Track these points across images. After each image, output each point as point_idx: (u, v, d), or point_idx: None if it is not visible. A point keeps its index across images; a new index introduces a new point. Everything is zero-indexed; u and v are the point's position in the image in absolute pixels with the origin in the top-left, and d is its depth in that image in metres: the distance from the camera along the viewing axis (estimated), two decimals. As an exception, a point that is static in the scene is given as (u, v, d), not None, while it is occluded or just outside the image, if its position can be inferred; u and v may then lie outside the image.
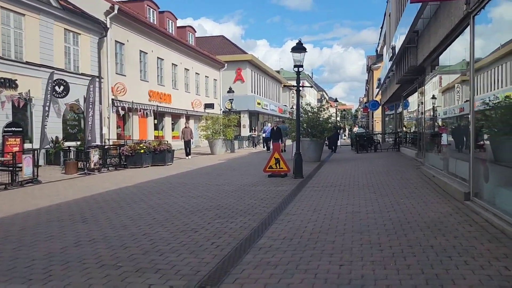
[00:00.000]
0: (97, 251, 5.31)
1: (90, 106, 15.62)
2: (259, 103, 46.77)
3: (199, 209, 8.02)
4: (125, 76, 23.71)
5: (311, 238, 5.69)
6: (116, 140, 21.86)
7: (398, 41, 13.85)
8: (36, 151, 13.05)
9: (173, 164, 18.07)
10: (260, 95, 49.02)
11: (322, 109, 19.00)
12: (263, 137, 28.38)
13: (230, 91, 28.31)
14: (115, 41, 22.88)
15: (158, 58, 27.91)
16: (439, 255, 4.63)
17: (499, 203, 6.10)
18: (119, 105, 22.56)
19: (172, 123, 30.57)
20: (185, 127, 23.45)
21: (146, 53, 26.36)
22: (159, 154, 17.48)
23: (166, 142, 19.38)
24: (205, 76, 36.54)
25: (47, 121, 13.66)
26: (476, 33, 7.07)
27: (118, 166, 16.81)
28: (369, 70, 52.16)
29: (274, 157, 13.08)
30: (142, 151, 16.76)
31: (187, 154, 22.42)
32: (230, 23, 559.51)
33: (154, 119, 27.62)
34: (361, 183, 10.96)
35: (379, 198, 8.50)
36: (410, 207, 7.45)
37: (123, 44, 23.71)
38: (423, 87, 15.64)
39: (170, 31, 31.17)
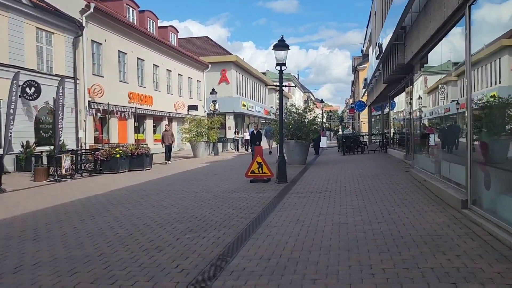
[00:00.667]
0: (38, 279, 4.48)
1: (60, 108, 14.65)
2: (244, 105, 46.05)
3: (169, 221, 7.22)
4: (102, 77, 22.73)
5: (292, 257, 4.94)
6: (93, 144, 20.89)
7: (385, 39, 13.22)
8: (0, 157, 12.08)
9: (152, 169, 17.21)
10: (245, 96, 48.31)
11: (307, 110, 18.30)
12: (245, 139, 27.70)
13: (213, 92, 27.50)
14: (92, 40, 21.90)
15: (138, 58, 26.98)
16: (442, 281, 3.91)
17: (502, 213, 5.42)
18: (96, 107, 21.57)
19: (154, 126, 29.62)
20: (165, 130, 22.12)
21: (126, 54, 25.42)
22: (137, 159, 16.59)
23: (145, 145, 18.44)
24: (189, 77, 35.66)
25: (12, 125, 12.68)
26: (473, 24, 6.41)
27: (92, 171, 15.90)
28: (355, 71, 51.83)
29: (257, 161, 12.32)
30: (118, 155, 15.87)
31: (167, 158, 21.12)
32: (216, 25, 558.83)
33: (135, 121, 26.66)
34: (348, 188, 10.26)
35: (368, 206, 7.79)
36: (402, 217, 6.74)
37: (101, 44, 22.74)
38: (410, 87, 15.04)
39: (151, 31, 30.25)
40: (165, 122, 29.72)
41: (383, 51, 13.75)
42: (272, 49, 12.01)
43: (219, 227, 6.70)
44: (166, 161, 20.84)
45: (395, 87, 18.65)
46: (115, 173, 15.77)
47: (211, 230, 6.50)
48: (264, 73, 70.03)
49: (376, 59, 15.80)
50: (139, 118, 27.68)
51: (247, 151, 28.42)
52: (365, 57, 45.27)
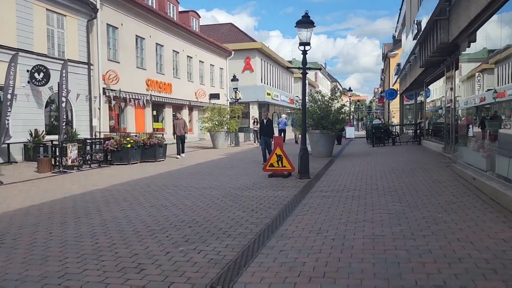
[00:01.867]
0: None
1: (64, 93, 13.63)
2: (269, 94, 44.63)
3: (165, 226, 5.98)
4: (118, 63, 21.72)
5: (310, 290, 3.60)
6: (108, 133, 19.95)
7: (425, 16, 11.55)
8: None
9: (166, 161, 16.08)
10: (270, 85, 46.83)
11: (334, 97, 16.76)
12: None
13: (234, 79, 26.14)
14: (107, 24, 20.88)
15: (157, 44, 25.87)
16: None
17: None
18: (111, 94, 20.61)
19: (173, 115, 28.54)
20: (177, 119, 18.68)
21: (144, 39, 24.33)
22: (149, 149, 15.49)
23: (159, 135, 17.28)
24: (210, 64, 34.43)
25: (9, 111, 11.72)
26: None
27: (102, 162, 14.90)
28: (385, 58, 49.47)
29: (276, 154, 10.99)
30: (129, 145, 14.79)
31: (179, 152, 17.97)
32: (243, 14, 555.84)
33: (153, 110, 25.69)
34: (380, 186, 8.80)
35: (408, 211, 6.35)
36: (454, 229, 5.29)
37: (117, 28, 21.70)
38: (452, 71, 13.33)
39: (171, 16, 29.08)
40: (186, 111, 28.62)
41: (422, 29, 12.08)
42: (295, 26, 10.57)
43: (223, 236, 5.42)
44: (179, 154, 17.87)
45: (432, 73, 16.89)
46: (126, 164, 14.72)
47: (212, 240, 5.23)
48: (290, 62, 68.31)
49: (413, 39, 14.10)
50: (158, 107, 26.72)
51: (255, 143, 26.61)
52: (396, 43, 42.94)
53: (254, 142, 25.85)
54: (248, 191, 8.90)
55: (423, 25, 11.86)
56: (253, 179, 10.58)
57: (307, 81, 46.46)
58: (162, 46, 26.51)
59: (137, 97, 22.07)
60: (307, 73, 10.81)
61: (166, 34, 26.88)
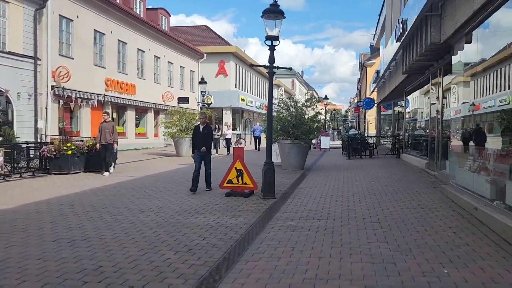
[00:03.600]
0: None
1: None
2: (243, 100, 42.91)
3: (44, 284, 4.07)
4: (72, 59, 19.56)
5: None
6: (56, 137, 17.72)
7: (413, 11, 9.98)
8: None
9: (115, 170, 13.99)
10: (245, 90, 45.13)
11: (309, 104, 15.09)
12: (226, 138, 23.51)
13: (202, 81, 24.30)
14: (60, 15, 18.71)
15: (119, 41, 23.77)
16: None
17: None
18: (62, 93, 18.41)
19: (136, 118, 26.47)
20: (104, 121, 13.17)
21: (104, 34, 22.22)
22: (95, 157, 13.40)
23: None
24: (180, 66, 32.44)
25: None
26: None
27: (38, 171, 12.76)
28: (362, 67, 48.51)
29: (236, 168, 9.17)
30: (69, 152, 12.71)
31: (107, 166, 12.89)
32: (223, 21, 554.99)
33: (113, 112, 23.52)
34: (359, 214, 7.08)
35: (399, 260, 4.62)
36: (471, 297, 3.58)
37: (72, 20, 19.55)
38: (439, 78, 11.84)
39: (138, 12, 27.02)
40: (151, 114, 26.50)
41: (409, 28, 10.54)
42: (261, 16, 8.83)
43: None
44: (105, 170, 12.83)
45: (415, 80, 15.44)
46: (66, 174, 12.64)
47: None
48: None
49: (396, 41, 12.58)
50: (119, 109, 24.59)
51: (257, 150, 24.84)
52: (374, 51, 41.98)
53: (216, 152, 23.33)
54: (195, 216, 7.05)
55: (410, 23, 10.30)
56: (206, 199, 8.72)
57: (283, 89, 44.96)
58: (126, 43, 24.44)
59: (90, 97, 19.88)
60: (275, 72, 9.08)
61: (131, 31, 24.82)
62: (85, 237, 5.63)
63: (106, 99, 21.93)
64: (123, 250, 5.03)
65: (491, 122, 7.16)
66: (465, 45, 8.74)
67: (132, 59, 25.21)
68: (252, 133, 30.20)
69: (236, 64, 41.83)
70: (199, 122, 10.30)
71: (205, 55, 35.76)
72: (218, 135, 23.12)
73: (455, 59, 9.06)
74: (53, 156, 12.72)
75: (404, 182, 10.74)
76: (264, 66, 9.14)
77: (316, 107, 15.71)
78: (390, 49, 16.57)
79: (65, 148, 12.77)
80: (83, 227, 6.18)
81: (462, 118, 8.83)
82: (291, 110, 14.95)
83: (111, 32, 22.87)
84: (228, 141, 23.56)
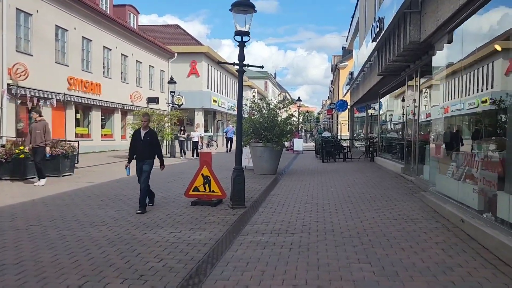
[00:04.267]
0: None
1: None
2: (215, 101, 42.07)
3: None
4: (31, 56, 18.32)
5: None
6: (11, 139, 16.48)
7: (391, 9, 9.48)
8: None
9: (73, 175, 12.95)
10: (217, 92, 44.28)
11: (282, 105, 14.46)
12: (193, 141, 22.46)
13: (171, 81, 23.31)
14: (17, 9, 17.46)
15: (83, 38, 22.57)
16: None
17: None
18: (21, 92, 17.19)
19: (102, 119, 25.28)
20: (34, 121, 11.28)
21: (66, 30, 21.00)
22: (52, 161, 12.34)
23: (65, 142, 13.99)
24: (150, 65, 31.36)
25: None
26: None
27: (-14, 177, 11.64)
28: (335, 69, 48.41)
29: (202, 174, 8.41)
30: (22, 156, 11.65)
31: (41, 175, 10.96)
32: (196, 21, 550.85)
33: (76, 113, 22.33)
34: (337, 226, 6.46)
35: (384, 286, 3.99)
36: None
37: (30, 15, 18.31)
38: (416, 79, 11.42)
39: (104, 8, 25.84)
40: (119, 115, 25.30)
41: (386, 27, 10.04)
42: (230, 10, 8.11)
43: None
44: (39, 179, 10.97)
45: (390, 82, 15.05)
46: (18, 179, 11.57)
47: None
48: (240, 69, 66.05)
49: (372, 41, 12.10)
50: (83, 109, 23.36)
51: (229, 151, 24.10)
52: (346, 54, 41.90)
53: (181, 155, 21.94)
54: (154, 230, 6.27)
55: (387, 21, 9.80)
56: (169, 209, 7.94)
57: (256, 90, 44.28)
58: (91, 40, 23.26)
59: (48, 96, 18.67)
60: (245, 71, 8.39)
61: (96, 28, 23.64)
62: (18, 260, 4.77)
63: (69, 98, 20.75)
64: (59, 278, 4.21)
65: (476, 124, 6.66)
66: (445, 45, 8.30)
67: (97, 57, 24.03)
68: (224, 134, 29.52)
69: (208, 64, 40.95)
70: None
71: (176, 54, 34.78)
72: (184, 137, 21.90)
73: (435, 59, 8.57)
74: (4, 160, 11.63)
75: (381, 188, 10.22)
76: (233, 64, 8.43)
77: (289, 109, 15.10)
78: (364, 50, 16.15)
79: (17, 151, 11.70)
80: (19, 247, 5.31)
81: (442, 120, 8.34)
82: (264, 112, 14.29)
83: (75, 28, 21.67)
84: (194, 144, 22.30)
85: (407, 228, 6.22)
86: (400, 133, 15.00)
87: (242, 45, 8.20)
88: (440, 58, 8.27)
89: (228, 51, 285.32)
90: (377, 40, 11.46)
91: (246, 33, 8.17)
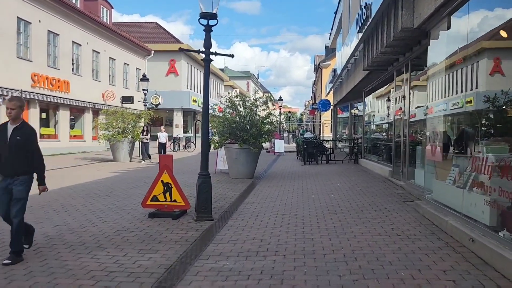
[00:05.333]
0: None
1: None
2: (195, 100, 40.68)
3: None
4: (-12, 49, 16.83)
5: None
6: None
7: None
8: None
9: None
10: (197, 91, 42.93)
11: (258, 103, 13.27)
12: (160, 143, 20.19)
13: (144, 78, 21.92)
14: (-29, -2, 15.99)
15: (49, 32, 21.05)
16: None
17: None
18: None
19: (71, 119, 23.74)
20: None
21: (30, 23, 19.46)
22: None
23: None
24: (124, 63, 29.90)
25: None
26: None
27: None
28: (318, 68, 47.53)
29: (162, 181, 7.18)
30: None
31: None
32: (179, 22, 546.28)
33: (41, 112, 20.79)
34: (318, 246, 5.31)
35: None
36: None
37: (-13, 4, 16.83)
38: (405, 74, 10.39)
39: (74, 1, 24.28)
40: (90, 115, 23.74)
41: (374, 14, 8.97)
42: (195, -12, 6.90)
43: None
44: None
45: (376, 79, 14.04)
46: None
47: None
48: (222, 70, 65.00)
49: (358, 31, 11.01)
50: (49, 108, 21.82)
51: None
52: (330, 52, 41.03)
53: (143, 159, 19.07)
54: (93, 253, 5.03)
55: (376, 7, 8.71)
56: (121, 223, 6.68)
57: (237, 90, 42.98)
58: (58, 35, 21.74)
59: (4, 93, 17.13)
60: (212, 60, 7.19)
61: (64, 21, 22.13)
62: None
63: (32, 96, 19.23)
64: None
65: (488, 121, 5.60)
66: (440, 32, 7.25)
67: (66, 52, 22.50)
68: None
69: (187, 63, 39.62)
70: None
71: (153, 52, 33.36)
72: (147, 139, 19.38)
73: (431, 48, 7.51)
74: None
75: (368, 195, 9.12)
76: (198, 52, 7.23)
77: (267, 107, 13.93)
78: (348, 45, 15.10)
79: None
80: None
81: (440, 118, 7.27)
82: (240, 110, 13.10)
83: (40, 21, 20.13)
84: (162, 146, 20.15)
85: (404, 248, 5.10)
86: (388, 133, 13.99)
87: (208, 29, 7.00)
88: (439, 47, 7.19)
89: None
90: (364, 30, 10.38)
91: (214, 16, 6.97)
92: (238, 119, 12.85)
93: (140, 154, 19.74)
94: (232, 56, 8.14)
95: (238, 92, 61.09)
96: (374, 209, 7.56)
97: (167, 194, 7.16)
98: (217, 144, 12.85)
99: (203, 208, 6.95)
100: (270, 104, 14.39)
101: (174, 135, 33.53)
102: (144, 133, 19.22)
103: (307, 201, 8.57)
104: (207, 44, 7.04)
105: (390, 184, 10.75)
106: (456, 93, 6.74)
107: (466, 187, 5.54)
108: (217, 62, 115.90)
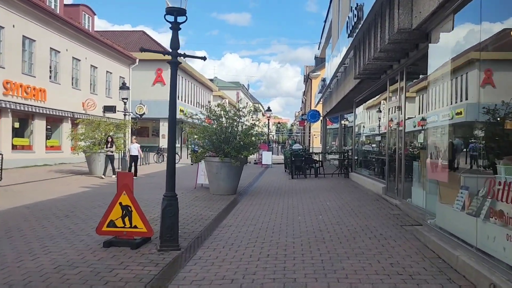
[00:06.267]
0: None
1: None
2: (182, 110, 39.57)
3: None
4: (-46, 54, 15.69)
5: None
6: None
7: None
8: None
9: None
10: (185, 101, 41.95)
11: (241, 113, 12.27)
12: (131, 155, 17.68)
13: (124, 87, 20.80)
14: None
15: (24, 37, 19.95)
16: None
17: None
18: None
19: (48, 129, 22.53)
20: None
21: (3, 28, 18.38)
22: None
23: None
24: (107, 71, 28.83)
25: None
26: None
27: None
28: (307, 79, 46.80)
29: (120, 203, 6.12)
30: None
31: None
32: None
33: (14, 121, 19.59)
34: (302, 289, 4.29)
35: None
36: None
37: (-46, 6, 15.72)
38: (400, 82, 9.50)
39: (53, 7, 23.25)
40: (68, 124, 22.55)
41: (366, 15, 8.08)
42: (160, -22, 5.92)
43: None
44: None
45: (368, 88, 13.16)
46: None
47: None
48: (211, 80, 64.22)
49: (348, 36, 10.11)
50: (23, 118, 20.62)
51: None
52: (319, 63, 40.33)
53: (104, 173, 16.69)
54: (14, 302, 3.94)
55: (369, 7, 7.79)
56: (68, 254, 5.59)
57: (227, 101, 41.75)
58: (34, 41, 20.64)
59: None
60: (180, 62, 6.23)
61: (41, 27, 21.06)
62: None
63: (4, 105, 18.06)
64: None
65: (504, 134, 4.64)
66: (441, 33, 6.35)
67: (42, 59, 21.39)
68: (192, 146, 26.96)
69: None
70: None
71: (137, 60, 32.39)
72: (112, 151, 16.83)
73: (432, 52, 6.59)
74: None
75: (360, 217, 8.12)
76: (163, 53, 6.25)
77: (252, 116, 12.94)
78: (337, 54, 14.22)
79: None
80: None
81: (447, 129, 6.32)
82: (222, 120, 12.10)
83: (14, 26, 19.05)
84: (133, 159, 17.18)
85: (408, 294, 4.09)
86: (380, 145, 13.07)
87: (176, 27, 6.02)
88: (443, 49, 6.26)
89: (202, 62, 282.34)
90: (355, 34, 9.47)
91: (182, 12, 6.00)
92: (219, 129, 11.85)
93: (115, 168, 17.96)
94: (204, 58, 7.16)
95: (227, 102, 60.39)
96: (368, 235, 6.56)
97: (126, 219, 6.10)
98: (195, 158, 11.82)
99: (168, 235, 5.89)
100: (254, 115, 13.40)
101: (160, 146, 32.44)
102: (108, 145, 16.79)
103: (291, 224, 7.54)
104: (175, 44, 6.07)
105: (384, 203, 9.77)
106: (461, 100, 5.80)
107: (480, 216, 4.57)
108: (207, 72, 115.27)
